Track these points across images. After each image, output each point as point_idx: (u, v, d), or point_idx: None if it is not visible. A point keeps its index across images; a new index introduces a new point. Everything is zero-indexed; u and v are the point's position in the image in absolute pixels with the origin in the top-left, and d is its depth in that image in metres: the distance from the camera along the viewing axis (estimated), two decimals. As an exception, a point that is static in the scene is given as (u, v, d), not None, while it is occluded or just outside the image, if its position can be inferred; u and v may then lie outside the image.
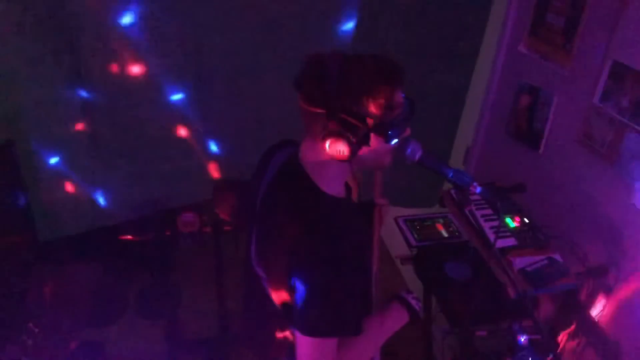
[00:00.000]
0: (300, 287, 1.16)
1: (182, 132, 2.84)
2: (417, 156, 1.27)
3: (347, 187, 1.38)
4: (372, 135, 1.15)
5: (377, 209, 1.55)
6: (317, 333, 1.17)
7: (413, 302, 1.44)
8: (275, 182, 1.31)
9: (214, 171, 3.02)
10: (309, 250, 1.16)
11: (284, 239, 1.19)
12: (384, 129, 1.15)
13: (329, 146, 1.14)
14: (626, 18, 1.87)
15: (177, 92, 2.70)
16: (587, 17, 2.06)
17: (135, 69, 2.56)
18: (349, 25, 2.56)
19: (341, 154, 1.14)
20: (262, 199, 1.33)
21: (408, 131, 1.23)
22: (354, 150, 1.13)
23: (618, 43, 1.91)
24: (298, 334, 1.19)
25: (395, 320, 1.41)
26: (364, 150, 1.16)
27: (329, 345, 1.18)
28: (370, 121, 1.13)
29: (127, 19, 2.41)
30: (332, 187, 1.25)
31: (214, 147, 2.93)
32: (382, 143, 1.17)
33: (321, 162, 1.22)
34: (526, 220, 2.22)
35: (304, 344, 1.18)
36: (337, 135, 1.12)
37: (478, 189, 1.26)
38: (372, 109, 1.13)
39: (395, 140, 1.19)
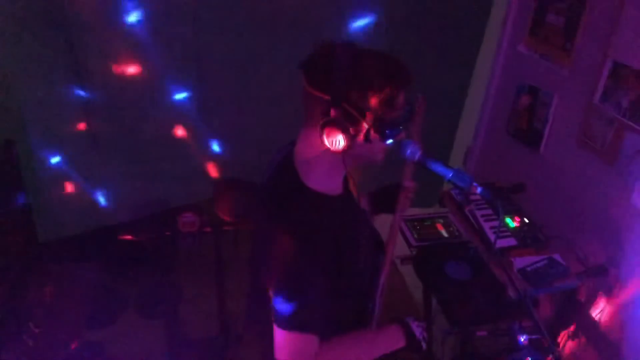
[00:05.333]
0: (273, 281, 1.19)
1: (182, 132, 2.85)
2: (417, 156, 1.27)
3: (346, 184, 1.36)
4: (371, 131, 1.15)
5: (403, 192, 1.54)
6: (285, 326, 1.18)
7: (417, 330, 1.40)
8: (270, 179, 1.32)
9: (214, 171, 3.02)
10: (280, 246, 1.17)
11: (264, 236, 1.22)
12: (382, 127, 1.15)
13: (326, 134, 1.13)
14: (626, 18, 1.87)
15: (178, 92, 2.70)
16: (587, 17, 2.06)
17: (136, 69, 2.56)
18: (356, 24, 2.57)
19: (337, 144, 1.14)
20: (258, 197, 1.34)
21: (402, 134, 1.23)
22: (350, 143, 1.13)
23: (618, 43, 1.91)
24: (274, 325, 1.20)
25: (389, 340, 1.38)
26: (359, 145, 1.16)
27: (305, 342, 1.18)
28: (370, 116, 1.13)
29: (128, 19, 2.41)
30: (322, 182, 1.24)
31: (214, 147, 2.94)
32: (378, 141, 1.18)
33: (313, 156, 1.22)
34: (526, 220, 2.22)
35: (277, 336, 1.20)
36: (337, 123, 1.12)
37: (478, 189, 1.26)
38: (375, 104, 1.13)
39: (391, 141, 1.19)
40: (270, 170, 1.34)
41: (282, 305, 1.18)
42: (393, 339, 1.38)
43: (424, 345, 1.40)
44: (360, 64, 1.12)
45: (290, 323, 1.17)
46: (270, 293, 1.23)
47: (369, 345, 1.35)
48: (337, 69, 1.11)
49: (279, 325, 1.18)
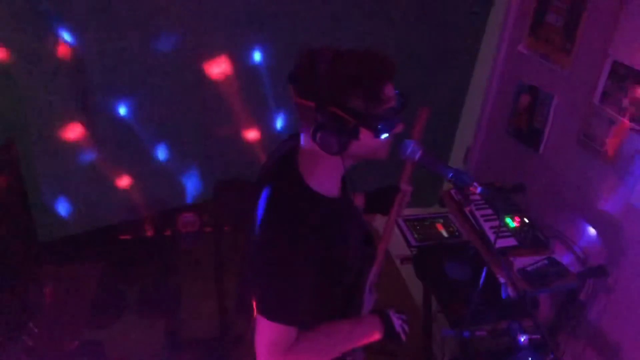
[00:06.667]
0: (258, 269, 1.21)
1: (183, 132, 2.84)
2: (417, 156, 1.28)
3: (344, 186, 1.37)
4: (361, 129, 1.16)
5: (399, 195, 1.54)
6: (266, 314, 1.19)
7: (397, 322, 1.39)
8: (271, 171, 1.32)
9: (214, 171, 3.02)
10: (270, 236, 1.19)
11: (256, 227, 1.22)
12: (372, 123, 1.15)
13: (319, 140, 1.14)
14: (626, 18, 1.87)
15: (178, 92, 2.70)
16: (587, 17, 2.07)
17: (136, 69, 2.56)
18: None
19: (331, 148, 1.15)
20: (255, 185, 1.35)
21: (400, 127, 1.23)
22: (343, 144, 1.14)
23: (618, 43, 1.91)
24: (257, 312, 1.22)
25: (365, 331, 1.37)
26: (354, 144, 1.16)
27: (283, 332, 1.19)
28: (358, 114, 1.13)
29: (128, 18, 2.41)
30: (321, 183, 1.24)
31: (213, 147, 2.93)
32: (372, 137, 1.17)
33: (313, 157, 1.22)
34: (526, 220, 2.22)
35: (258, 322, 1.21)
36: (326, 128, 1.13)
37: (478, 189, 1.26)
38: (360, 102, 1.13)
39: (386, 135, 1.19)
40: (273, 160, 1.34)
41: (264, 293, 1.20)
42: (369, 330, 1.37)
43: (403, 336, 1.39)
44: (338, 65, 1.12)
45: (271, 312, 1.19)
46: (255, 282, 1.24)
47: (346, 334, 1.35)
48: (316, 74, 1.12)
49: (261, 313, 1.19)
